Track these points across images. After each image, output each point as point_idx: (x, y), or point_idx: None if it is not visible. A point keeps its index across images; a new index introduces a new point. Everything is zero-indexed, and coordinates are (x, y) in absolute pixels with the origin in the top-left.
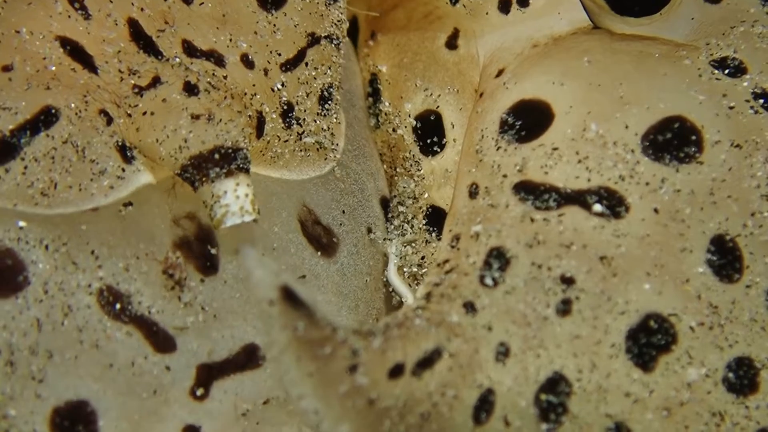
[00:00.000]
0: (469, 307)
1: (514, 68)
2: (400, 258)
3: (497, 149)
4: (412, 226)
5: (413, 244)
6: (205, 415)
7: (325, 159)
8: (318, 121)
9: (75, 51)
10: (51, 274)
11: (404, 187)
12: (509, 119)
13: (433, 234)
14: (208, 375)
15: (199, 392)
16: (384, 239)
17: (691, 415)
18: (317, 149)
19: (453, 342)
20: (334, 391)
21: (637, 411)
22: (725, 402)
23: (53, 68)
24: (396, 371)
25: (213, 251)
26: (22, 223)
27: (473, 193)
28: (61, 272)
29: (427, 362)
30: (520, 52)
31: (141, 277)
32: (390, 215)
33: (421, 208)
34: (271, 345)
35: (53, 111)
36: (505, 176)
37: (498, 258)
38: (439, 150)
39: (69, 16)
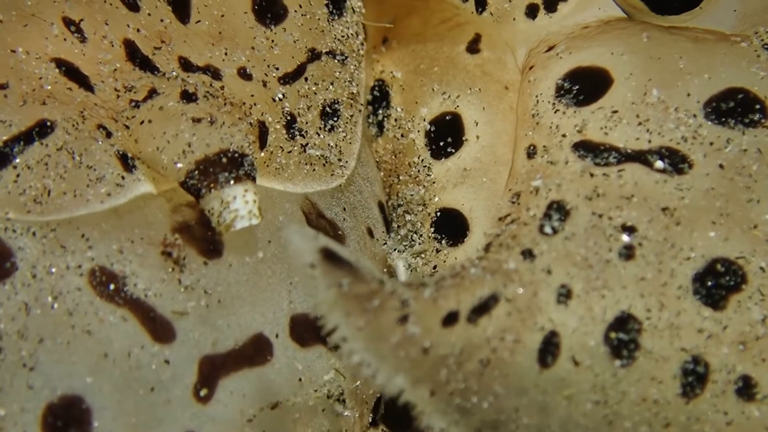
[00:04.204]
0: (527, 254)
1: (567, 42)
2: (412, 270)
3: (555, 112)
4: (420, 236)
5: (423, 255)
6: (208, 421)
7: (332, 175)
8: (322, 136)
9: (70, 71)
10: (39, 258)
11: (412, 195)
12: (566, 84)
13: (443, 241)
14: (211, 370)
15: (203, 392)
16: (390, 250)
17: (767, 348)
18: (323, 164)
19: (509, 287)
20: (386, 342)
21: (712, 345)
22: None
23: (49, 87)
24: (450, 319)
25: (216, 237)
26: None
27: (531, 153)
28: (49, 256)
29: (482, 308)
30: (570, 32)
31: (137, 258)
32: (396, 225)
33: (429, 214)
34: (318, 305)
35: (48, 124)
36: (564, 136)
37: (558, 210)
38: (453, 151)
39: (65, 39)
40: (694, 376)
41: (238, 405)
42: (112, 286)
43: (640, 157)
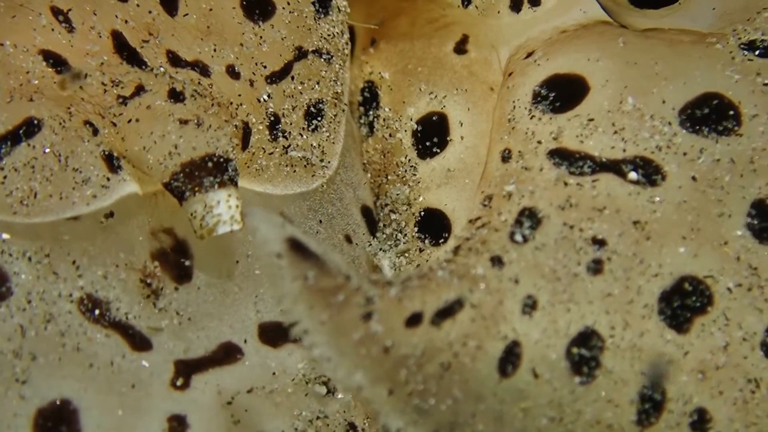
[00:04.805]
0: (496, 261)
1: (545, 48)
2: (395, 269)
3: (531, 118)
4: (404, 235)
5: (407, 254)
6: (189, 404)
7: (313, 176)
8: (305, 137)
9: (58, 64)
10: (33, 284)
11: (397, 194)
12: (542, 91)
13: (426, 241)
14: (185, 368)
15: (179, 382)
16: (376, 250)
17: (726, 380)
18: (304, 165)
19: (476, 293)
20: (348, 339)
21: (672, 372)
22: (762, 368)
23: (36, 82)
24: (414, 320)
25: (187, 263)
26: (5, 236)
27: (506, 157)
28: (42, 282)
29: (447, 312)
30: (548, 38)
31: (119, 284)
32: (381, 224)
33: (413, 213)
34: (282, 297)
35: (35, 122)
36: (539, 142)
37: (530, 217)
38: (439, 150)
39: (53, 29)
40: (651, 404)
41: (214, 389)
42: (97, 312)
43: (615, 167)
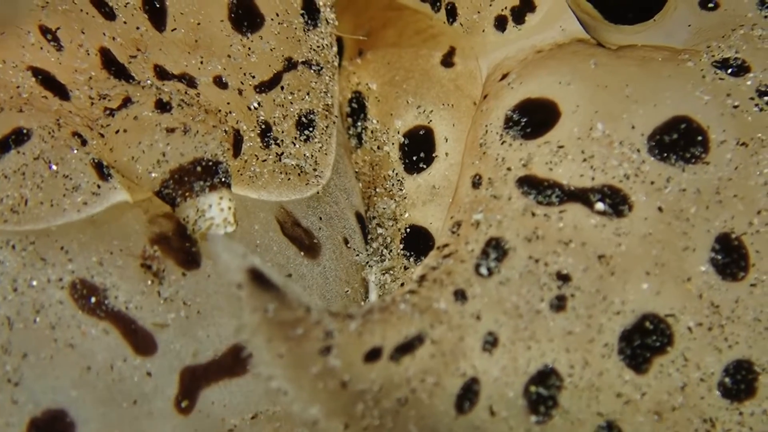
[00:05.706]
0: (460, 295)
1: (519, 70)
2: (380, 287)
3: (502, 143)
4: (390, 251)
5: (392, 272)
6: None
7: (307, 184)
8: (297, 146)
9: (47, 80)
10: (19, 271)
11: (384, 208)
12: (514, 116)
13: (411, 259)
14: (192, 381)
15: (184, 404)
16: (365, 263)
17: (681, 420)
18: (298, 174)
19: (437, 329)
20: (305, 372)
21: (628, 412)
22: (718, 408)
23: (25, 95)
24: (373, 355)
25: (194, 248)
26: None
27: (476, 183)
28: (30, 269)
29: (407, 347)
30: (524, 58)
31: (116, 271)
32: (369, 237)
33: (399, 230)
34: (241, 328)
35: (24, 131)
36: (509, 169)
37: (496, 248)
38: (425, 166)
39: (41, 48)
40: None
41: (219, 415)
42: (93, 299)
43: (583, 197)
